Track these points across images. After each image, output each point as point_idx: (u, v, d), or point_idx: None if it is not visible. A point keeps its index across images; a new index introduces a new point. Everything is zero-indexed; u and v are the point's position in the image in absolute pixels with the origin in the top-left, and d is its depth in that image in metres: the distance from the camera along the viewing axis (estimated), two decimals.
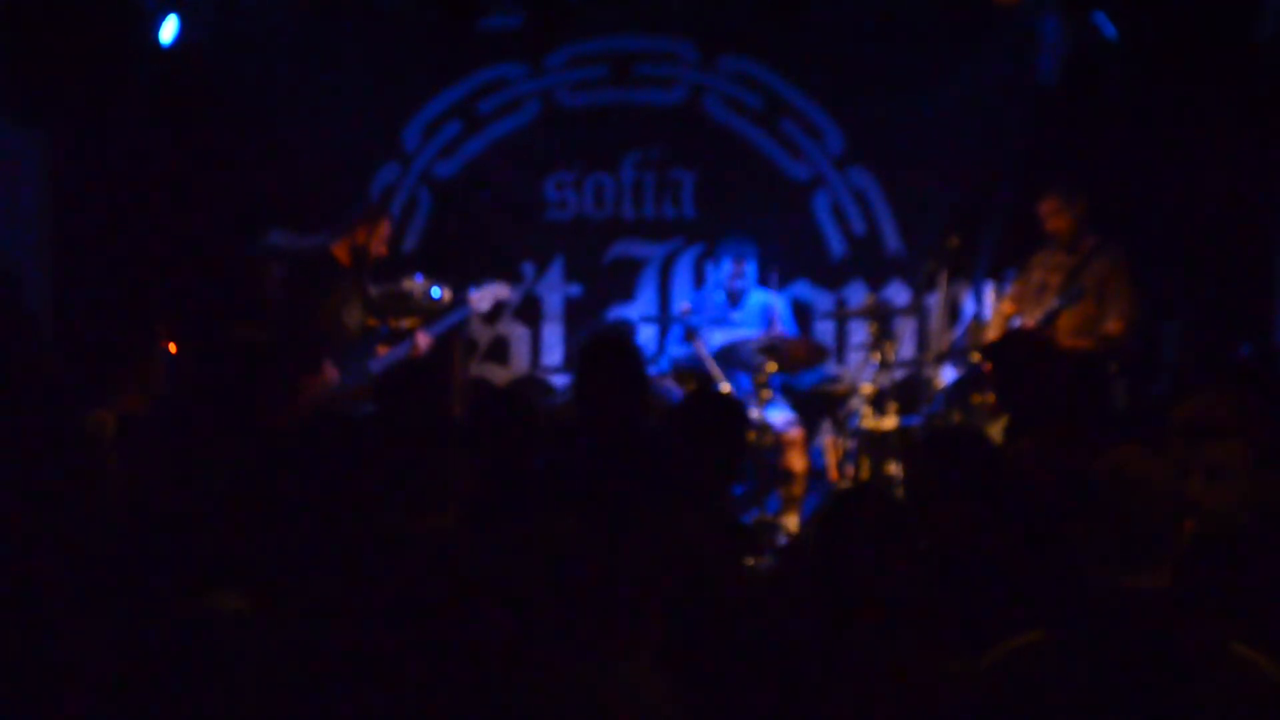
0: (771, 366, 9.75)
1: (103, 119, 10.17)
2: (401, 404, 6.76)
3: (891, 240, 10.98)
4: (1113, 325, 9.17)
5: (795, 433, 9.86)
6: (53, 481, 5.09)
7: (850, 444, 9.83)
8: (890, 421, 9.63)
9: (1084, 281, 9.17)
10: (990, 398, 8.73)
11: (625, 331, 8.62)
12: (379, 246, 9.47)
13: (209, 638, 3.92)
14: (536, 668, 3.80)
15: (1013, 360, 6.89)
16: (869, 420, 9.65)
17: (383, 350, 9.35)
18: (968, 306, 10.69)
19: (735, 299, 10.28)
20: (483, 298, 9.79)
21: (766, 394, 9.72)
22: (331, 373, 8.98)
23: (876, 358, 9.86)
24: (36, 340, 9.30)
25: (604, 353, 6.55)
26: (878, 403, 9.76)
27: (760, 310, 10.27)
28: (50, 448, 5.35)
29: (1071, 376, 6.67)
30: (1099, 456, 3.71)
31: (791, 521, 9.62)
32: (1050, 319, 9.06)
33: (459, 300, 9.96)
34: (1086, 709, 3.49)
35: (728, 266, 10.27)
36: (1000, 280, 10.24)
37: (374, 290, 9.93)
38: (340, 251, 9.40)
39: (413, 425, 5.59)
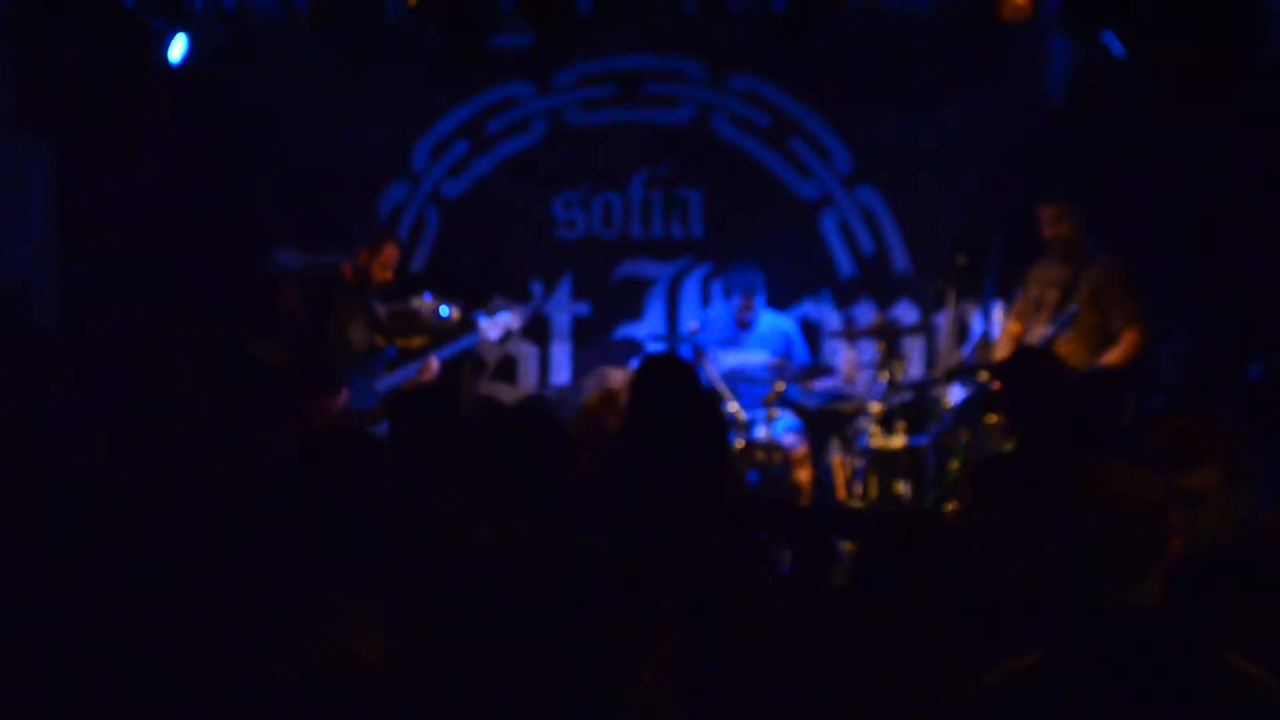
0: (779, 385, 9.77)
1: (112, 135, 10.18)
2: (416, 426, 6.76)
3: (900, 259, 10.99)
4: (1128, 337, 9.14)
5: (802, 449, 9.86)
6: (61, 492, 5.09)
7: (858, 463, 9.82)
8: (898, 440, 9.64)
9: (1078, 299, 9.15)
10: (1001, 417, 8.72)
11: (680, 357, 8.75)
12: (381, 271, 9.50)
13: (224, 648, 3.92)
14: (544, 684, 3.79)
15: (1022, 379, 6.87)
16: (877, 439, 9.64)
17: (389, 372, 9.36)
18: (976, 325, 10.69)
19: (745, 326, 10.30)
20: (492, 326, 9.83)
21: (774, 413, 9.74)
22: (341, 395, 9.01)
23: (885, 377, 9.86)
24: (43, 354, 9.32)
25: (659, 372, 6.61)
26: (886, 422, 9.76)
27: (772, 334, 10.29)
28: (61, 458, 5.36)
29: (1081, 395, 6.66)
30: (1083, 473, 3.71)
31: None
32: (1047, 345, 9.05)
33: (466, 322, 10.00)
34: None
35: (736, 300, 10.28)
36: (1009, 299, 10.24)
37: (382, 309, 9.94)
38: (346, 270, 9.44)
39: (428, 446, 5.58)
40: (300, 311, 9.40)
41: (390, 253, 9.58)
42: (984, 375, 9.43)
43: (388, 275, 9.60)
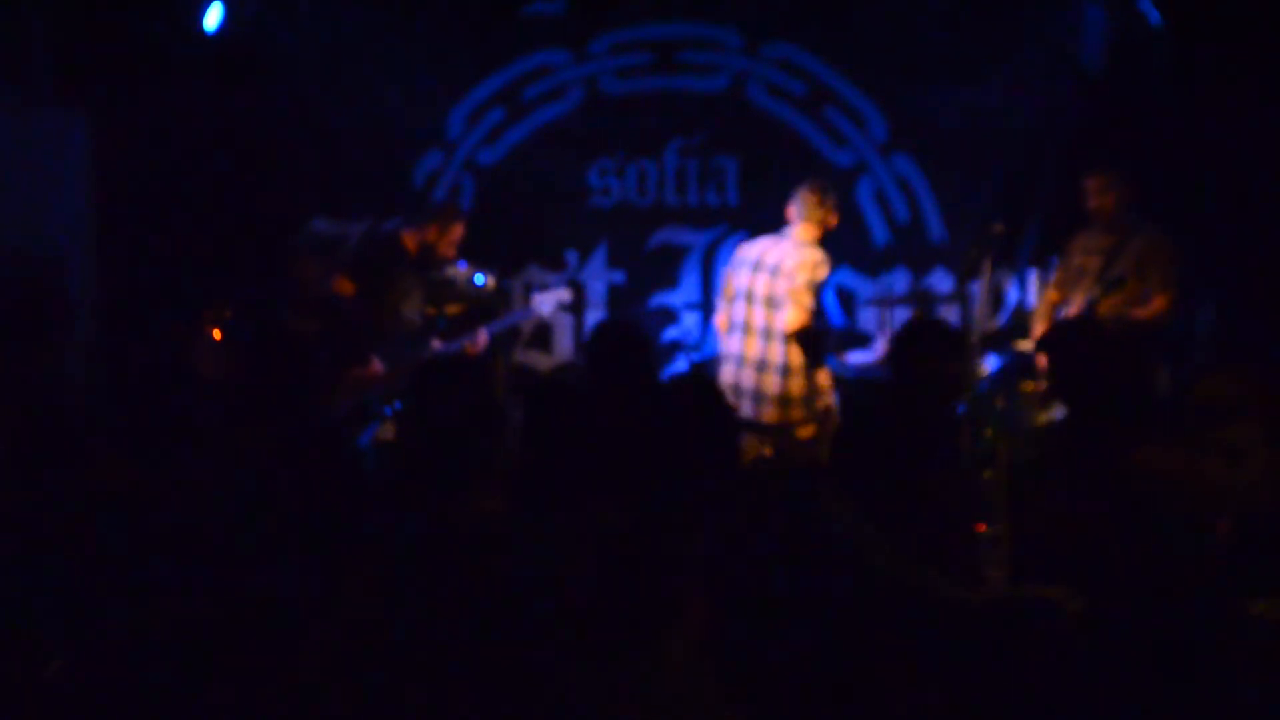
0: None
1: (147, 105, 10.20)
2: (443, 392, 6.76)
3: (935, 227, 10.97)
4: (1157, 301, 9.15)
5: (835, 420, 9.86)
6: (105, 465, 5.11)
7: None
8: None
9: (1123, 265, 9.14)
10: (1038, 386, 8.71)
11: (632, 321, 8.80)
12: (447, 248, 9.52)
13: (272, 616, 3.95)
14: (574, 660, 3.80)
15: (1071, 351, 6.83)
16: None
17: (438, 344, 9.38)
18: (1011, 294, 10.66)
19: None
20: (545, 300, 9.85)
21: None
22: (377, 365, 9.03)
23: None
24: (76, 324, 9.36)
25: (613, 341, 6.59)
26: None
27: None
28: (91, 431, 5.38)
29: (1119, 363, 6.63)
30: (1133, 452, 3.73)
31: None
32: (1091, 307, 9.03)
33: (501, 290, 10.03)
34: (1098, 665, 3.53)
35: None
36: (1045, 267, 10.21)
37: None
38: (410, 241, 9.46)
39: (454, 413, 5.59)
40: (318, 282, 9.42)
41: (458, 231, 9.59)
42: (1024, 345, 9.41)
43: (452, 253, 9.62)
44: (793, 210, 9.14)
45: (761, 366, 8.89)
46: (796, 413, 8.95)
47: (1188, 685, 3.54)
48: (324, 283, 9.47)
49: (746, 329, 8.98)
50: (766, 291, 8.95)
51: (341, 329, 9.17)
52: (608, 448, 5.87)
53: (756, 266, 9.01)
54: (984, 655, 3.88)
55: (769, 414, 8.92)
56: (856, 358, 10.47)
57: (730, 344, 9.11)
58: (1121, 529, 3.73)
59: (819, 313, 9.16)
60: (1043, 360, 8.08)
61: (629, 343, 6.67)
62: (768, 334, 8.91)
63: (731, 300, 9.16)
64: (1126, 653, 3.57)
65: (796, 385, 8.93)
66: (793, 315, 8.85)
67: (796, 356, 8.92)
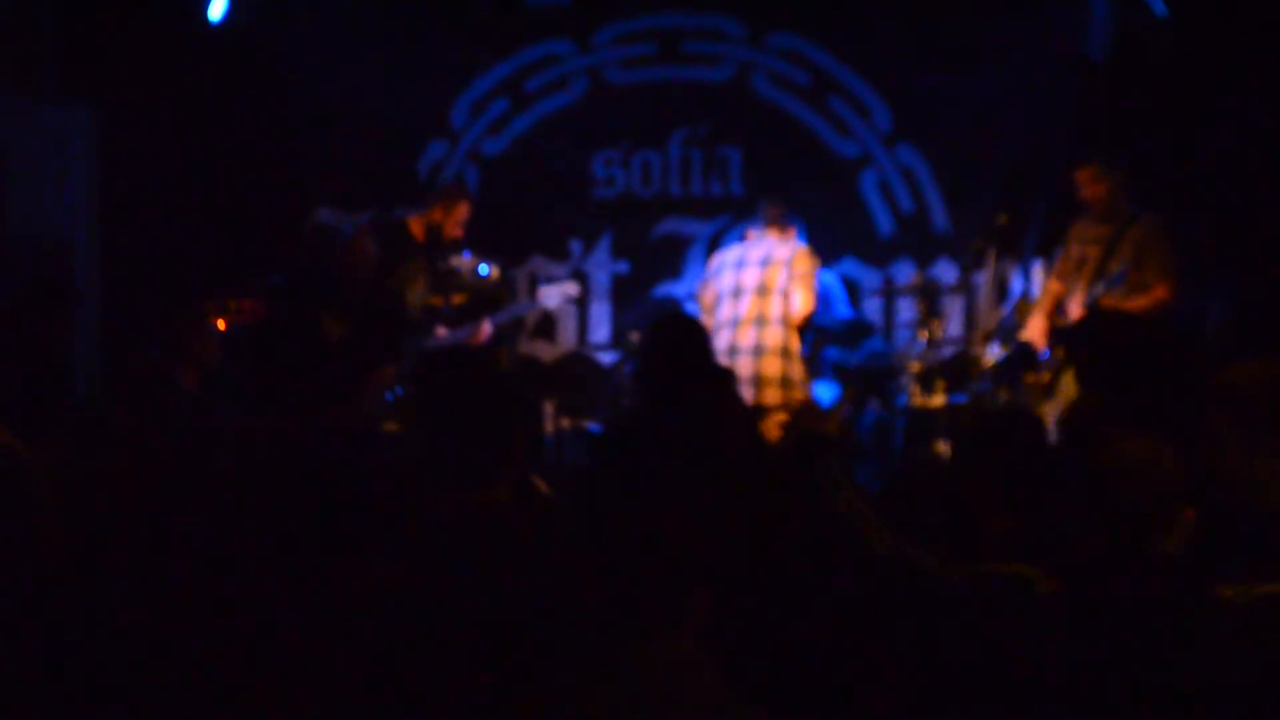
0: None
1: (151, 96, 10.21)
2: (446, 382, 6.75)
3: (939, 218, 10.97)
4: (1157, 290, 9.12)
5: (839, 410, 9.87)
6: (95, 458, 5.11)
7: (897, 421, 9.82)
8: (938, 399, 9.63)
9: (1122, 255, 9.12)
10: (1042, 378, 8.72)
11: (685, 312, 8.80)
12: (454, 228, 9.51)
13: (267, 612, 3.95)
14: (575, 647, 3.80)
15: (1098, 342, 6.82)
16: (917, 398, 9.64)
17: (442, 332, 9.37)
18: (1016, 284, 10.67)
19: None
20: (551, 294, 9.84)
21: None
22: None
23: (924, 335, 9.86)
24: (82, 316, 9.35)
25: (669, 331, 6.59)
26: (925, 380, 9.75)
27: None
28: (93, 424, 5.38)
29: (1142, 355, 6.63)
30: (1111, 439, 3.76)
31: None
32: (1093, 303, 9.03)
33: (505, 280, 10.04)
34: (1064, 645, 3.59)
35: None
36: (1049, 258, 10.21)
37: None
38: (416, 227, 9.44)
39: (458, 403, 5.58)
40: (364, 274, 9.39)
41: (464, 210, 9.57)
42: (1033, 337, 9.42)
43: (459, 233, 9.60)
44: (753, 232, 9.24)
45: (758, 351, 8.89)
46: (798, 394, 8.98)
47: (1158, 664, 3.58)
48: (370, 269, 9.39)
49: (736, 322, 8.95)
50: (757, 282, 8.94)
51: (372, 327, 9.13)
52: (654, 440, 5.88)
53: (740, 264, 9.02)
54: (962, 630, 3.91)
55: (770, 396, 8.90)
56: (866, 350, 10.52)
57: (718, 340, 9.00)
58: (1092, 514, 3.75)
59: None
60: (1060, 351, 8.10)
61: (691, 335, 6.67)
62: (761, 321, 8.90)
63: (713, 308, 9.12)
64: (1097, 632, 3.61)
65: (797, 370, 8.95)
66: (804, 298, 8.88)
67: (795, 342, 8.94)
